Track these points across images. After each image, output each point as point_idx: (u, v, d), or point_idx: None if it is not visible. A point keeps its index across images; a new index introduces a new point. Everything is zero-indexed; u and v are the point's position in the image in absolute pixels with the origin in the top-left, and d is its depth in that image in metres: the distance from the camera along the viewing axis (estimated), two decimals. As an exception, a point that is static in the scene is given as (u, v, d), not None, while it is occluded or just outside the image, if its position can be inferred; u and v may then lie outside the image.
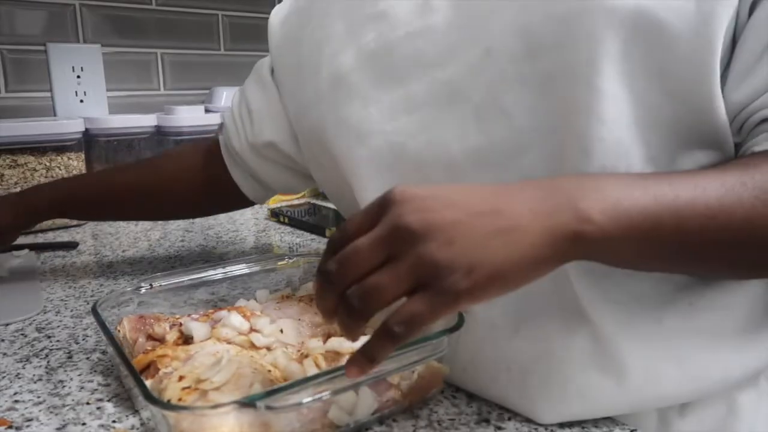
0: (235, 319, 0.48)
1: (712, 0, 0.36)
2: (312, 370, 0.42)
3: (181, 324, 0.48)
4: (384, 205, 0.33)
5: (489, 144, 0.42)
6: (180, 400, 0.38)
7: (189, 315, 0.51)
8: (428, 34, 0.45)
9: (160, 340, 0.48)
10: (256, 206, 1.19)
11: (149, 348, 0.46)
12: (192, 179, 0.72)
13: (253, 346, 0.46)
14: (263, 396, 0.36)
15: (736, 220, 0.33)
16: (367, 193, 0.48)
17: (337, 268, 0.33)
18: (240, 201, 0.71)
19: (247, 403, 0.35)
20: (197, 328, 0.47)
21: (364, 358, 0.33)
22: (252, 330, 0.47)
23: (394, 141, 0.47)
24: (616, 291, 0.40)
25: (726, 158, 0.39)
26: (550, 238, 0.32)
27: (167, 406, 0.37)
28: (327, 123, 0.51)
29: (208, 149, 0.71)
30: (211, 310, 0.52)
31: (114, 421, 0.44)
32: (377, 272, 0.32)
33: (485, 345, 0.45)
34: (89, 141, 1.04)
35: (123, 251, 0.88)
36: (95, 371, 0.51)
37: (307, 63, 0.55)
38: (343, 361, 0.43)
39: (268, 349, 0.46)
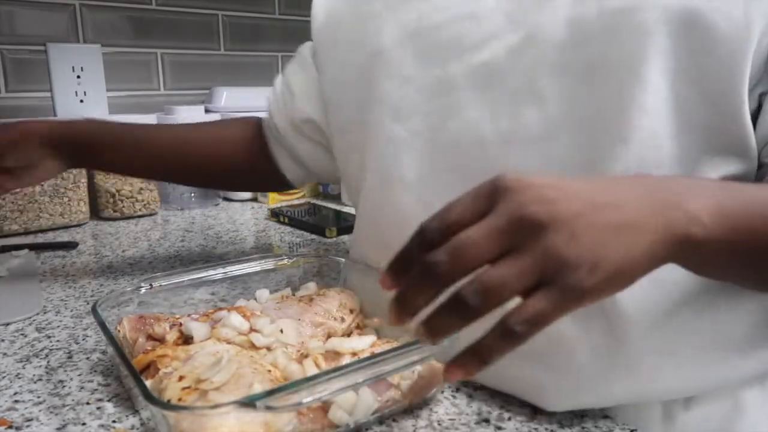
0: (235, 319, 0.48)
1: (756, 6, 0.37)
2: (312, 370, 0.42)
3: (181, 324, 0.48)
4: (496, 192, 0.30)
5: (520, 127, 0.43)
6: (180, 400, 0.38)
7: (189, 315, 0.51)
8: (472, 17, 0.46)
9: (160, 340, 0.48)
10: (256, 206, 1.19)
11: (149, 348, 0.46)
12: (235, 149, 0.72)
13: (253, 346, 0.46)
14: (263, 396, 0.36)
15: None
16: (401, 171, 0.49)
17: (448, 259, 0.29)
18: (277, 182, 0.73)
19: (247, 403, 0.35)
20: (197, 328, 0.47)
21: (474, 360, 0.30)
22: (252, 330, 0.47)
23: (430, 121, 0.48)
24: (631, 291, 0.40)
25: (747, 171, 0.39)
26: (667, 237, 0.31)
27: (167, 406, 0.37)
28: (365, 100, 0.53)
29: (254, 124, 0.73)
30: (211, 310, 0.52)
31: (114, 421, 0.44)
32: (497, 265, 0.29)
33: None
34: (89, 141, 1.04)
35: (123, 251, 0.88)
36: (95, 371, 0.51)
37: (349, 41, 0.56)
38: (343, 361, 0.43)
39: (268, 349, 0.46)
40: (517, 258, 0.29)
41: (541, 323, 0.29)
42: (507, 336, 0.29)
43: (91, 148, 0.68)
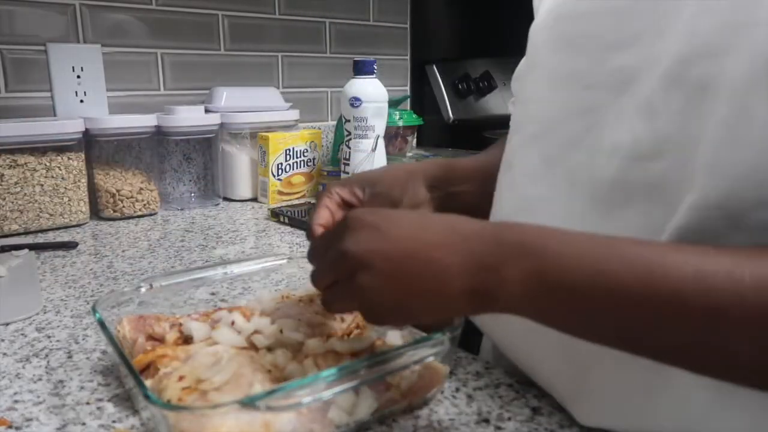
0: (236, 318, 0.48)
1: None
2: (312, 370, 0.42)
3: (181, 324, 0.48)
4: (343, 221, 0.40)
5: (633, 141, 0.39)
6: (180, 400, 0.38)
7: (189, 315, 0.51)
8: (612, 14, 0.43)
9: (160, 340, 0.48)
10: (256, 206, 1.19)
11: (149, 348, 0.47)
12: None
13: (253, 346, 0.46)
14: (263, 396, 0.36)
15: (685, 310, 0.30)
16: (514, 158, 0.50)
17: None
18: None
19: (247, 403, 0.35)
20: (197, 328, 0.47)
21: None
22: (255, 332, 0.47)
23: (550, 112, 0.47)
24: None
25: None
26: (467, 293, 0.35)
27: (167, 406, 0.37)
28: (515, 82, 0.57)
29: None
30: (210, 310, 0.52)
31: (114, 421, 0.44)
32: (332, 291, 0.40)
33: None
34: (89, 141, 1.04)
35: (123, 251, 0.87)
36: (95, 371, 0.51)
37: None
38: (343, 361, 0.43)
39: (268, 349, 0.46)
40: (338, 287, 0.40)
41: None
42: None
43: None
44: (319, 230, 0.49)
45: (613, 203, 0.40)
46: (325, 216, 0.51)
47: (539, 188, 0.46)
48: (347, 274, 0.38)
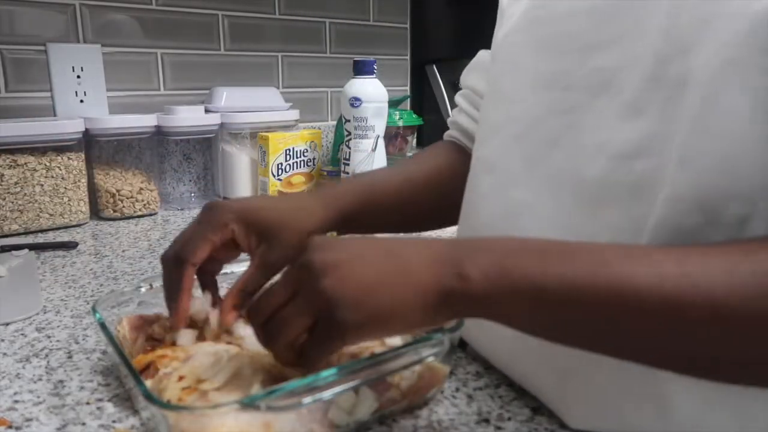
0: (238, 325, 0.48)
1: None
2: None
3: (181, 324, 0.48)
4: (304, 249, 0.38)
5: (618, 142, 0.39)
6: (180, 400, 0.38)
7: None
8: (589, 14, 0.43)
9: (160, 340, 0.48)
10: (256, 206, 1.19)
11: (149, 348, 0.47)
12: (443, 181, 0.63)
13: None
14: (263, 396, 0.36)
15: (652, 302, 0.30)
16: (488, 151, 0.50)
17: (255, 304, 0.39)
18: None
19: (247, 403, 0.35)
20: (183, 334, 0.47)
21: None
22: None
23: (531, 112, 0.46)
24: None
25: None
26: (437, 288, 0.34)
27: (167, 406, 0.37)
28: (488, 84, 0.53)
29: (446, 148, 0.66)
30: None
31: (114, 421, 0.44)
32: (285, 307, 0.37)
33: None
34: (89, 141, 1.04)
35: (123, 251, 0.87)
36: (95, 371, 0.51)
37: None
38: (343, 361, 0.43)
39: (268, 349, 0.46)
40: (297, 300, 0.37)
41: (317, 360, 0.38)
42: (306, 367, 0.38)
43: (352, 218, 0.58)
44: (185, 321, 0.47)
45: (596, 202, 0.40)
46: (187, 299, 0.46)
47: (523, 190, 0.46)
48: (326, 313, 0.35)
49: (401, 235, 0.63)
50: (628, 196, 0.38)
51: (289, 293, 0.37)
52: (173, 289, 0.46)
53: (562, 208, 0.42)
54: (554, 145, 0.43)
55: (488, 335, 0.48)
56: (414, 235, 0.66)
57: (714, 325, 0.30)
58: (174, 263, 0.46)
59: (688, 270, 0.30)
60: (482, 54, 0.64)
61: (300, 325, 0.37)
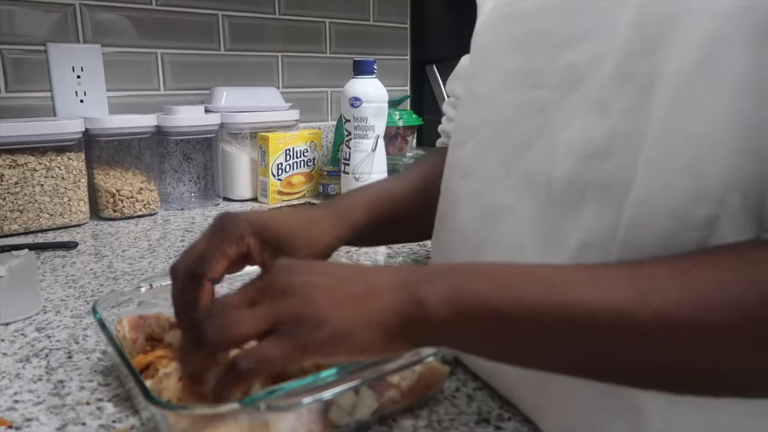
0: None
1: None
2: (312, 370, 0.42)
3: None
4: (272, 267, 0.37)
5: (586, 140, 0.38)
6: (180, 400, 0.38)
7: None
8: (559, 9, 0.42)
9: (160, 340, 0.48)
10: (256, 206, 1.19)
11: (149, 348, 0.47)
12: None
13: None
14: (263, 396, 0.36)
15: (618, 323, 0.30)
16: (463, 154, 0.49)
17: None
18: None
19: (247, 403, 0.35)
20: (177, 334, 0.47)
21: (214, 391, 0.36)
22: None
23: (503, 114, 0.45)
24: None
25: None
26: (397, 312, 0.34)
27: (167, 406, 0.37)
28: (464, 86, 0.52)
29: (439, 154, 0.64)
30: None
31: (114, 421, 0.44)
32: (241, 311, 0.35)
33: None
34: (89, 141, 1.04)
35: (123, 251, 0.87)
36: (95, 371, 0.51)
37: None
38: (344, 361, 0.43)
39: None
40: (256, 308, 0.35)
41: (264, 364, 0.34)
42: (232, 372, 0.34)
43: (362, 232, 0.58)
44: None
45: (570, 204, 0.39)
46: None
47: (500, 193, 0.45)
48: (287, 328, 0.34)
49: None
50: (597, 197, 0.37)
51: (247, 303, 0.36)
52: (188, 304, 0.44)
53: (537, 210, 0.41)
54: (528, 147, 0.42)
55: None
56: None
57: (669, 337, 0.30)
58: (189, 278, 0.44)
59: (640, 284, 0.31)
60: (464, 59, 0.63)
61: (253, 329, 0.34)
